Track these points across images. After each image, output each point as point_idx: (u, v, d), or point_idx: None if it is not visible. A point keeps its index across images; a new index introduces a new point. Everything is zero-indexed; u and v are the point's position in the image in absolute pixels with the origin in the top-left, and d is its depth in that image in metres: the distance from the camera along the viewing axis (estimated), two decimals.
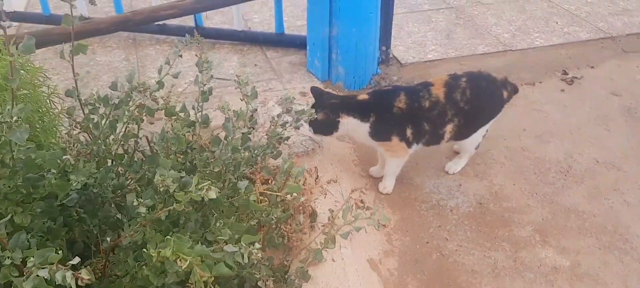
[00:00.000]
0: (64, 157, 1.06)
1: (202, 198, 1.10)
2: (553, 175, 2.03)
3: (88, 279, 0.93)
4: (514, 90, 2.01)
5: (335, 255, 1.56)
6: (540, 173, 2.04)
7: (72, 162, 1.04)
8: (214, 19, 3.13)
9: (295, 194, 1.18)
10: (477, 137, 1.97)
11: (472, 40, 2.86)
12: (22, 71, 1.52)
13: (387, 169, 1.93)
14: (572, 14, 3.16)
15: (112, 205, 1.13)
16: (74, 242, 1.23)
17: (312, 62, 2.51)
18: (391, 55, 2.67)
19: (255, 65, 2.61)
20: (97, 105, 1.17)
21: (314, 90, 1.88)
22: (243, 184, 1.17)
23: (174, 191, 1.00)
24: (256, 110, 1.63)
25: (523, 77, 2.60)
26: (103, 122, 1.16)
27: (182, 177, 1.02)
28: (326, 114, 1.80)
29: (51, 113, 1.74)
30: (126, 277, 1.13)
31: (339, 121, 1.81)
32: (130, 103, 1.22)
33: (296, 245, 1.53)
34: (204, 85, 1.63)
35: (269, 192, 1.23)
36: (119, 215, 1.13)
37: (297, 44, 2.70)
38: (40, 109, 1.77)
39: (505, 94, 1.96)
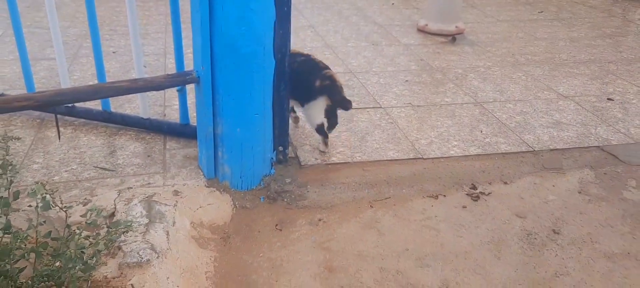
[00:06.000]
0: None
1: None
2: None
3: None
4: (341, 102, 2.53)
5: None
6: None
7: None
8: (134, 103, 3.08)
9: None
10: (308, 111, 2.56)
11: (386, 145, 2.75)
12: None
13: None
14: (501, 123, 3.05)
15: None
16: None
17: (201, 158, 2.41)
18: (292, 155, 2.56)
19: (149, 156, 2.52)
20: None
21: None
22: None
23: None
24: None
25: (427, 188, 2.46)
26: None
27: None
28: None
29: None
30: None
31: None
32: None
33: None
34: (7, 188, 1.52)
35: None
36: None
37: None
38: None
39: (318, 83, 2.48)
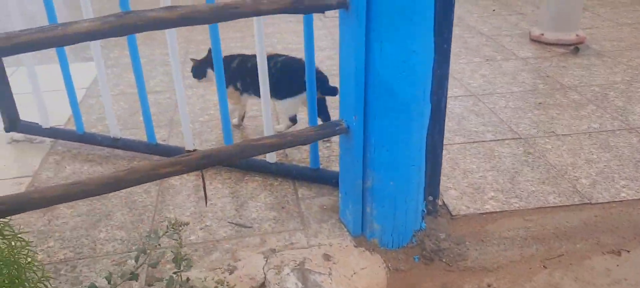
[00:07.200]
0: None
1: None
2: None
3: None
4: (330, 89, 2.62)
5: None
6: None
7: None
8: None
9: None
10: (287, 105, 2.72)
11: (542, 186, 2.41)
12: None
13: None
14: None
15: None
16: None
17: (344, 211, 2.18)
18: (440, 204, 2.28)
19: (283, 207, 2.31)
20: None
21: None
22: None
23: None
24: None
25: (605, 242, 2.11)
26: None
27: None
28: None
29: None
30: None
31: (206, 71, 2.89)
32: None
33: None
34: (181, 286, 1.33)
35: None
36: None
37: (333, 181, 2.39)
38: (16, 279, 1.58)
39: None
